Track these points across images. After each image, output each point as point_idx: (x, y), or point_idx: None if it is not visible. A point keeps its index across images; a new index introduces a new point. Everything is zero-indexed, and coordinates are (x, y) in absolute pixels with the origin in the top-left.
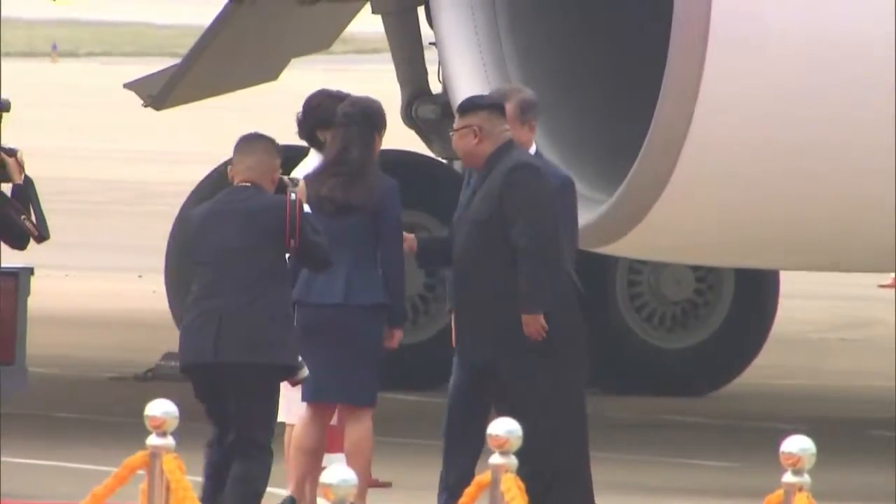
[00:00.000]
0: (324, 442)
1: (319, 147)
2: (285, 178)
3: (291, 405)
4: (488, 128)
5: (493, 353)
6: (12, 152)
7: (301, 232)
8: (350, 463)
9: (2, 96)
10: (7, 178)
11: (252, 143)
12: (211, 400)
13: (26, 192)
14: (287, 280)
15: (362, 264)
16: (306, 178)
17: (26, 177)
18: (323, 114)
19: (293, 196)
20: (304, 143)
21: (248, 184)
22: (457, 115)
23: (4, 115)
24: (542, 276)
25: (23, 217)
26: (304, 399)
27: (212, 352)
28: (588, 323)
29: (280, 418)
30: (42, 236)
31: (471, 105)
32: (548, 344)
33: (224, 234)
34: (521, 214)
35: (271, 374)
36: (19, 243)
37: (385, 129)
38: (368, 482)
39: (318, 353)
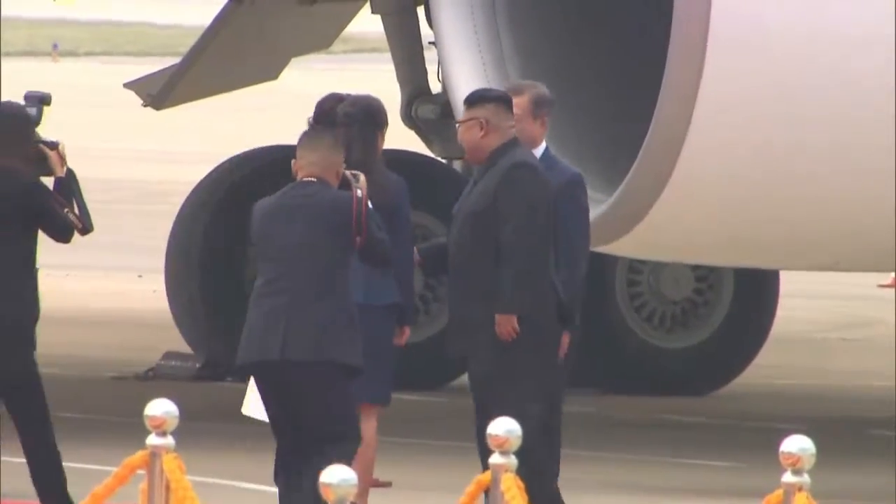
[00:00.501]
0: None
1: None
2: (348, 172)
3: None
4: (495, 121)
5: (467, 348)
6: (54, 145)
7: (367, 229)
8: (358, 461)
9: (41, 91)
10: (49, 172)
11: (316, 138)
12: (276, 401)
13: (69, 185)
14: (349, 277)
15: None
16: None
17: (68, 169)
18: (333, 118)
19: (359, 192)
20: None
21: (314, 179)
22: (464, 107)
23: (45, 108)
24: (523, 278)
25: (66, 210)
26: None
27: (279, 350)
28: (588, 323)
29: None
30: (86, 228)
31: (478, 97)
32: (518, 346)
33: (289, 231)
34: (514, 214)
35: (337, 373)
36: (63, 236)
37: (386, 126)
38: (369, 482)
39: None
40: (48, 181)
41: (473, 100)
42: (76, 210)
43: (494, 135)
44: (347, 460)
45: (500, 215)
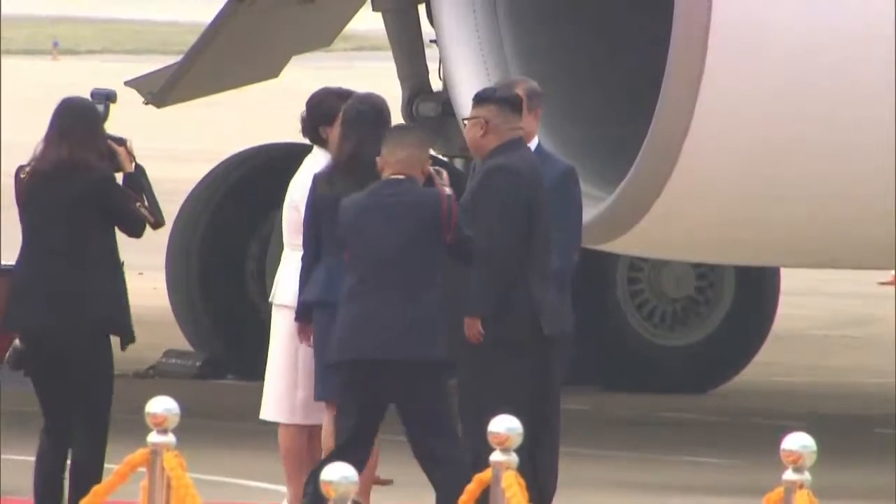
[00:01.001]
0: None
1: (322, 144)
2: (432, 168)
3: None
4: (495, 122)
5: (451, 350)
6: (122, 141)
7: (455, 226)
8: None
9: (107, 88)
10: (118, 168)
11: (403, 135)
12: (367, 399)
13: (138, 180)
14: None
15: None
16: (316, 176)
17: (137, 165)
18: (327, 110)
19: (447, 190)
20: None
21: (401, 176)
22: (472, 105)
23: (111, 105)
24: (489, 282)
25: (137, 204)
26: (323, 397)
27: (375, 349)
28: (589, 320)
29: (277, 418)
30: (158, 222)
31: (482, 97)
32: (486, 352)
33: (381, 230)
34: (486, 216)
35: (433, 371)
36: (136, 231)
37: (390, 125)
38: (371, 480)
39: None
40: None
41: (478, 99)
42: (146, 204)
43: (493, 135)
44: (457, 459)
45: (475, 217)
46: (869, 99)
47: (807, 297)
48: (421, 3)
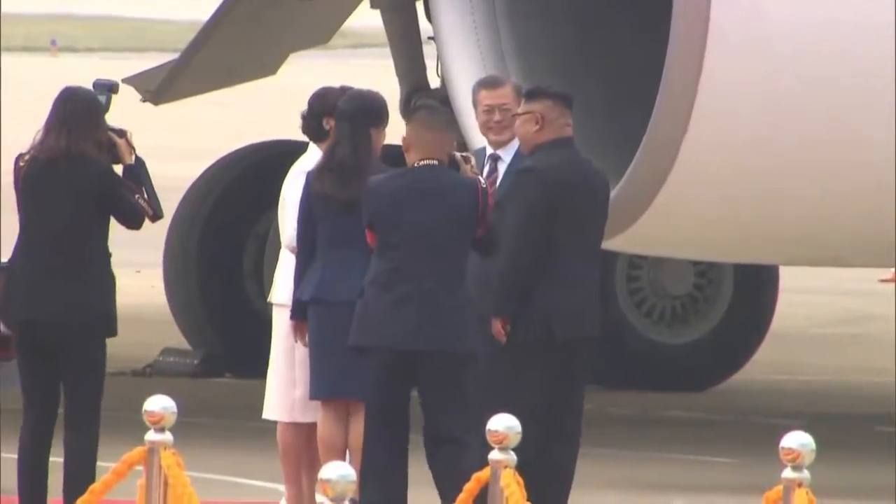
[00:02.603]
0: (346, 438)
1: (324, 137)
2: (458, 154)
3: (294, 404)
4: (551, 117)
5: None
6: (122, 133)
7: (487, 219)
8: (354, 458)
9: (110, 79)
10: (118, 160)
11: (432, 117)
12: (394, 389)
13: (138, 173)
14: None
15: None
16: (309, 174)
17: (137, 157)
18: (331, 101)
19: (482, 180)
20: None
21: (434, 161)
22: (523, 100)
23: (113, 96)
24: (513, 283)
25: (136, 196)
26: (316, 396)
27: (413, 339)
28: None
29: (275, 416)
30: (156, 215)
31: (537, 92)
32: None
33: (415, 217)
34: (514, 218)
35: (459, 363)
36: (134, 222)
37: (386, 122)
38: None
39: (335, 350)
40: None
41: (532, 94)
42: (145, 197)
43: (548, 130)
44: (471, 458)
45: (504, 217)
46: (869, 96)
47: (806, 295)
48: (419, 0)
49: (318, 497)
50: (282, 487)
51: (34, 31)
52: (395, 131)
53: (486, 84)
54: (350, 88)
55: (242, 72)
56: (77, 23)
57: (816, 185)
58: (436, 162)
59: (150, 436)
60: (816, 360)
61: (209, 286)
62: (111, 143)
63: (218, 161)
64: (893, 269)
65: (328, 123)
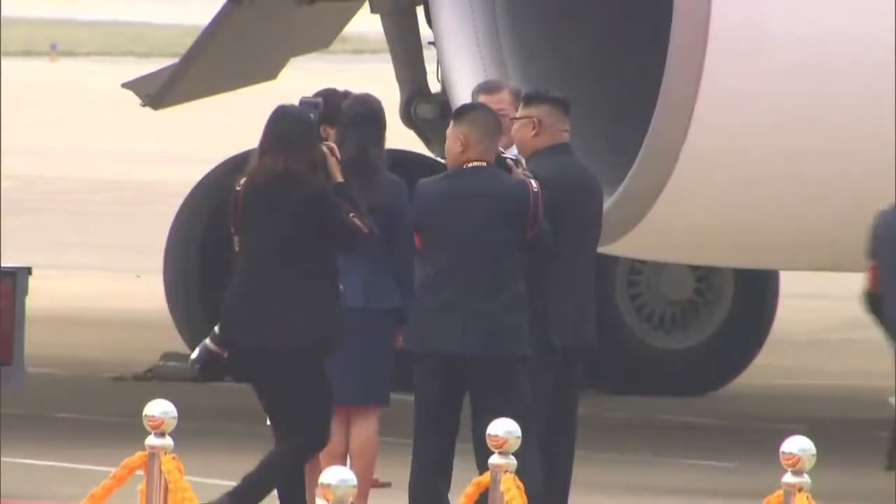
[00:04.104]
0: (347, 444)
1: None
2: (509, 158)
3: None
4: (549, 122)
5: None
6: (331, 150)
7: (538, 221)
8: (355, 463)
9: (315, 98)
10: (328, 177)
11: (480, 114)
12: (447, 391)
13: (347, 190)
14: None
15: (377, 266)
16: None
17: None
18: (329, 109)
19: (534, 183)
20: None
21: (483, 163)
22: (520, 105)
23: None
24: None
25: (351, 215)
26: None
27: (458, 343)
28: None
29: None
30: (372, 232)
31: (535, 97)
32: None
33: (463, 218)
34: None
35: (506, 367)
36: (349, 244)
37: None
38: (369, 483)
39: (336, 357)
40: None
41: (530, 99)
42: (359, 214)
43: (545, 135)
44: (535, 459)
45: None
46: (869, 99)
47: (806, 300)
48: (419, 4)
49: (319, 501)
50: None
51: (34, 35)
52: (394, 135)
53: (484, 88)
54: (348, 93)
55: (243, 76)
56: (77, 27)
57: (816, 190)
58: (484, 163)
59: (151, 440)
60: (816, 365)
61: (209, 291)
62: (322, 161)
63: (218, 166)
64: None
65: (326, 132)
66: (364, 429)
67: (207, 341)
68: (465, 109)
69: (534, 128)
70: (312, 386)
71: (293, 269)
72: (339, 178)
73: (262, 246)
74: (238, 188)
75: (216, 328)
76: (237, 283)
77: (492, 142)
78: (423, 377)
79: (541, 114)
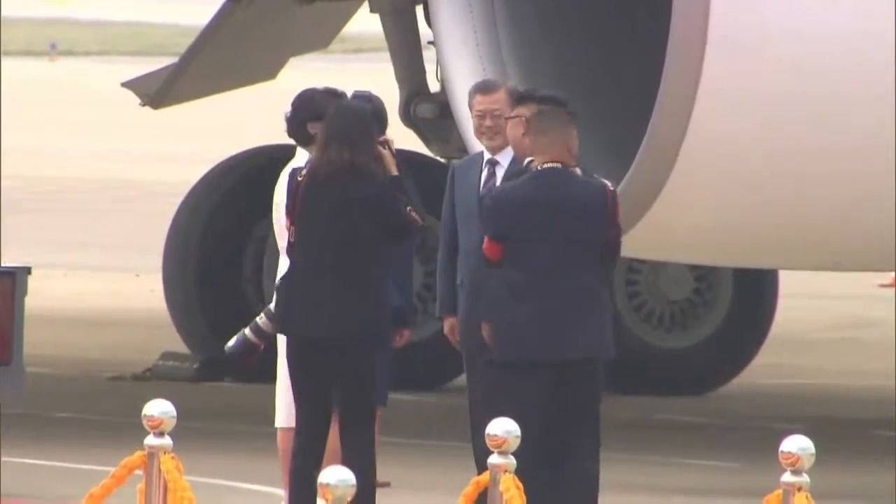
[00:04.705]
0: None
1: (308, 141)
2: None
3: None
4: None
5: None
6: (385, 143)
7: (616, 222)
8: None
9: (367, 91)
10: (384, 170)
11: (549, 118)
12: (541, 397)
13: (402, 183)
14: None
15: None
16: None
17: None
18: (315, 106)
19: (609, 183)
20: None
21: (558, 165)
22: (514, 103)
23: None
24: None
25: (408, 208)
26: None
27: (554, 348)
28: None
29: (281, 424)
30: (425, 225)
31: (524, 96)
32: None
33: (542, 222)
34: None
35: (596, 369)
36: (404, 237)
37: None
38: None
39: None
40: None
41: (520, 98)
42: (413, 207)
43: None
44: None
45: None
46: (869, 99)
47: (806, 299)
48: (418, 4)
49: (318, 501)
50: (281, 492)
51: (34, 35)
52: (395, 135)
53: (480, 89)
54: (335, 90)
55: (242, 76)
56: (77, 27)
57: (815, 189)
58: (559, 165)
59: (150, 440)
60: (816, 365)
61: (208, 290)
62: (379, 155)
63: (217, 165)
64: (893, 274)
65: (313, 128)
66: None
67: (247, 331)
68: (537, 115)
69: (523, 127)
70: (365, 378)
71: (352, 261)
72: (395, 172)
73: (322, 238)
74: (299, 179)
75: (258, 319)
76: (293, 274)
77: (567, 142)
78: (520, 385)
79: (530, 113)
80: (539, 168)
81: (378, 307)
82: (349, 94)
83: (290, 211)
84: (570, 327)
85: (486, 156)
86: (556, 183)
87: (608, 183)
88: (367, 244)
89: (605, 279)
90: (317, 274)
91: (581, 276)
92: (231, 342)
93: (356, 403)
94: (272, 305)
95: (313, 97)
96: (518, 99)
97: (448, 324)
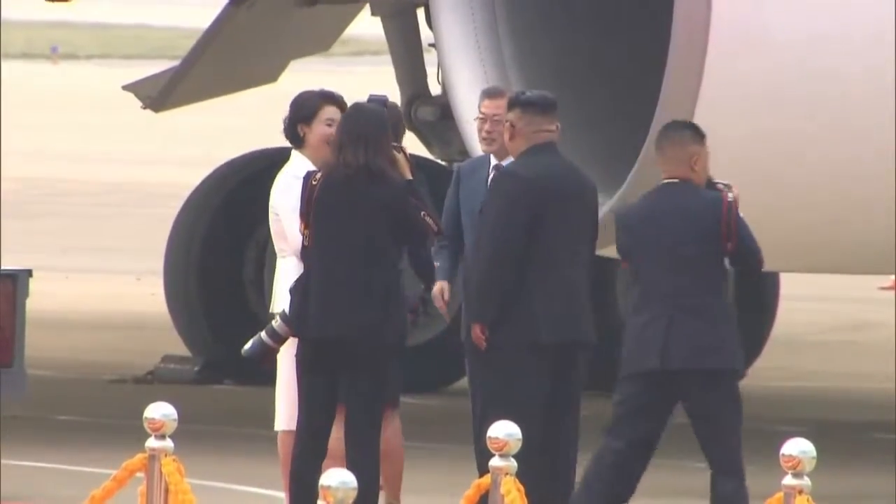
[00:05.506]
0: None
1: (299, 146)
2: (719, 183)
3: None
4: (520, 125)
5: None
6: (399, 148)
7: (739, 235)
8: (385, 463)
9: (382, 94)
10: (399, 175)
11: (671, 132)
12: (662, 407)
13: (418, 188)
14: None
15: None
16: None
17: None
18: (303, 109)
19: (730, 196)
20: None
21: (675, 179)
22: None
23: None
24: (489, 287)
25: (423, 213)
26: None
27: (660, 357)
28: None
29: (282, 426)
30: (440, 230)
31: (511, 101)
32: (489, 357)
33: (659, 238)
34: (490, 221)
35: (715, 381)
36: (420, 241)
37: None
38: (399, 483)
39: None
40: None
41: (509, 103)
42: (429, 212)
43: (520, 139)
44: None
45: (483, 221)
46: (870, 100)
47: (806, 302)
48: (420, 7)
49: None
50: (282, 495)
51: (34, 37)
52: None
53: (486, 93)
54: (331, 93)
55: (243, 79)
56: (78, 30)
57: (816, 191)
58: (677, 179)
59: (151, 443)
60: (817, 367)
61: (209, 293)
62: (394, 158)
63: (218, 168)
64: (893, 277)
65: (302, 130)
66: (389, 428)
67: (263, 335)
68: (661, 133)
69: (508, 132)
70: (376, 381)
71: (368, 264)
72: (409, 176)
73: (338, 240)
74: (314, 183)
75: (274, 323)
76: (309, 277)
77: (675, 159)
78: (638, 395)
79: (513, 118)
80: (659, 184)
81: (393, 310)
82: (365, 97)
83: (305, 214)
84: (664, 339)
85: (493, 161)
86: (670, 198)
87: (730, 195)
88: (383, 246)
89: (725, 291)
90: (332, 276)
91: (685, 290)
92: (248, 346)
93: (365, 406)
94: (287, 308)
95: (303, 99)
96: (508, 104)
97: (438, 286)
